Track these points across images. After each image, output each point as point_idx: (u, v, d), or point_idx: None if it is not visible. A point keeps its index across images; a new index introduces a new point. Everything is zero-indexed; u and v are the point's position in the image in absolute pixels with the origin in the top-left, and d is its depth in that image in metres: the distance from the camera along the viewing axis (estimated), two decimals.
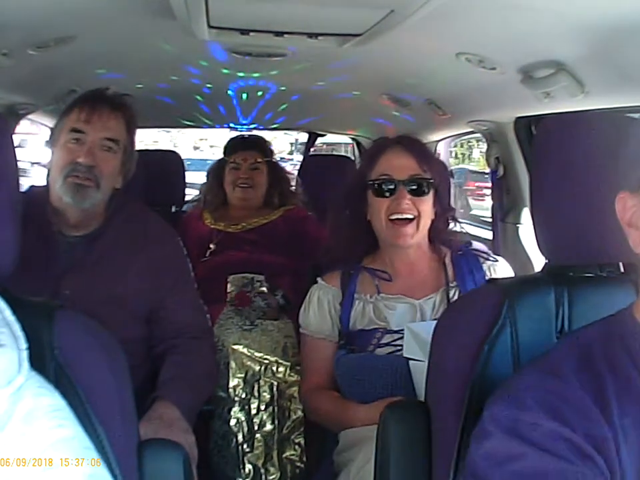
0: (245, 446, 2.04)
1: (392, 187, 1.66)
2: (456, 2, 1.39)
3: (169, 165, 3.23)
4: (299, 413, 2.05)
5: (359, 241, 1.77)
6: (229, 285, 2.35)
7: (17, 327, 0.74)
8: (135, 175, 2.22)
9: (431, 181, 1.68)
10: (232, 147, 2.81)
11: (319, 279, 1.79)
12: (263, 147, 2.78)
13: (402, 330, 1.62)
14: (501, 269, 1.75)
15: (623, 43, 1.36)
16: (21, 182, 0.91)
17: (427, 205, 1.68)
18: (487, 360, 0.99)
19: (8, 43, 1.69)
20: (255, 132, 3.44)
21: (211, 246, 2.57)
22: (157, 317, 1.71)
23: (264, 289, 2.31)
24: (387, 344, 1.64)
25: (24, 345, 0.73)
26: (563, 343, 0.86)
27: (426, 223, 1.70)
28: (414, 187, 1.67)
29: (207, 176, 2.88)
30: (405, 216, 1.66)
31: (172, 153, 3.51)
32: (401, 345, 1.60)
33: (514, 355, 0.99)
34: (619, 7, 1.26)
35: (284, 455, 2.07)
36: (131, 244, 1.70)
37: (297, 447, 2.08)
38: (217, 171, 2.80)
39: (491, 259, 1.76)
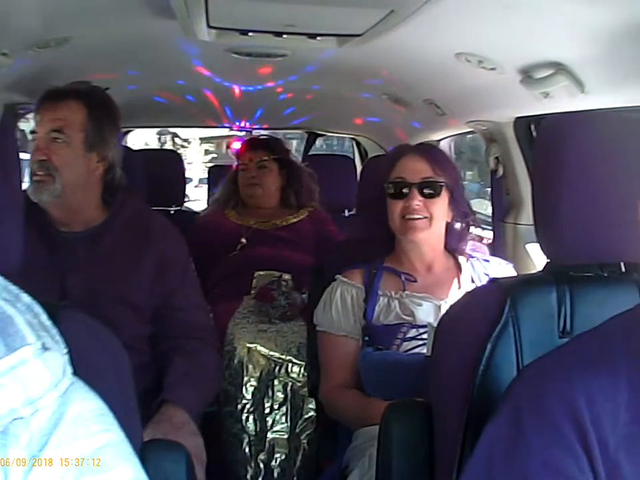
0: (256, 445, 2.05)
1: (405, 189, 1.73)
2: (456, 2, 1.40)
3: (169, 165, 3.23)
4: (311, 412, 2.06)
5: (378, 243, 1.82)
6: (254, 281, 2.37)
7: (54, 332, 0.74)
8: (134, 175, 2.22)
9: (442, 183, 1.74)
10: (241, 148, 2.85)
11: (338, 276, 1.80)
12: (271, 146, 2.79)
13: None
14: (509, 273, 1.82)
15: (622, 43, 1.36)
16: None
17: (438, 207, 1.73)
18: (489, 359, 0.99)
19: (8, 43, 1.69)
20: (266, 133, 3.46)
21: (243, 240, 2.59)
22: (163, 316, 1.70)
23: (288, 288, 2.31)
24: (413, 338, 1.67)
25: (64, 349, 0.74)
26: (582, 337, 0.85)
27: (438, 223, 1.75)
28: (426, 189, 1.73)
29: (223, 179, 2.91)
30: (416, 216, 1.72)
31: (172, 153, 3.51)
32: (427, 339, 1.63)
33: (517, 354, 0.99)
34: (619, 8, 1.27)
35: (295, 454, 2.07)
36: (135, 242, 1.69)
37: (308, 445, 2.08)
38: (232, 174, 2.84)
39: (503, 263, 1.84)
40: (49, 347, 0.71)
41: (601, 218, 0.96)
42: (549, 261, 1.07)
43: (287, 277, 2.36)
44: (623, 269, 1.04)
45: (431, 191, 1.72)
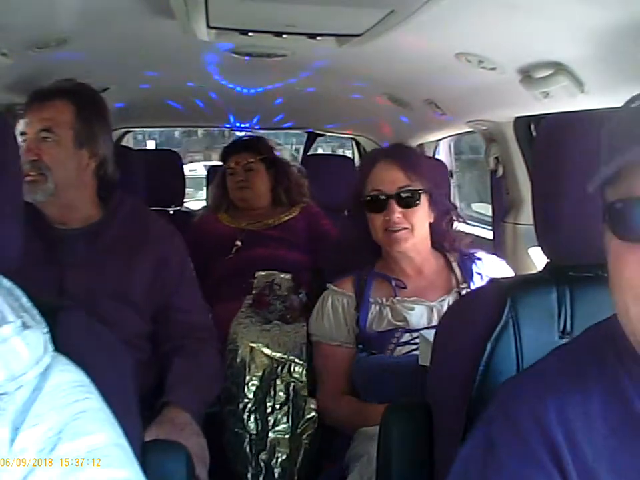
0: (258, 444, 2.05)
1: (383, 201, 1.70)
2: (456, 2, 1.40)
3: (168, 165, 3.23)
4: (313, 413, 2.06)
5: (367, 249, 1.80)
6: (255, 281, 2.37)
7: (35, 312, 0.76)
8: (134, 175, 2.22)
9: (419, 191, 1.71)
10: (226, 153, 2.85)
11: (330, 285, 1.80)
12: (256, 147, 2.79)
13: (421, 329, 1.64)
14: (504, 272, 1.80)
15: (622, 43, 1.37)
16: None
17: (418, 215, 1.72)
18: (489, 359, 0.98)
19: (8, 43, 1.69)
20: (261, 133, 3.45)
21: (237, 243, 2.60)
22: (164, 316, 1.70)
23: (284, 291, 2.31)
24: (407, 342, 1.66)
25: (45, 328, 0.76)
26: (555, 352, 0.85)
27: (421, 230, 1.74)
28: (403, 200, 1.70)
29: (209, 185, 2.91)
30: (397, 228, 1.70)
31: (171, 153, 3.51)
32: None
33: (517, 354, 0.98)
34: (619, 8, 1.27)
35: (296, 454, 2.07)
36: (133, 241, 1.69)
37: (309, 445, 2.08)
38: (220, 178, 2.84)
39: (496, 261, 1.82)
40: (29, 325, 0.73)
41: (601, 218, 0.96)
42: (548, 260, 1.07)
43: (287, 276, 2.36)
44: None
45: (409, 201, 1.70)
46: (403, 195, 1.70)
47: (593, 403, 0.75)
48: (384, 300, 1.74)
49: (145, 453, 0.95)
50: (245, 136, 3.14)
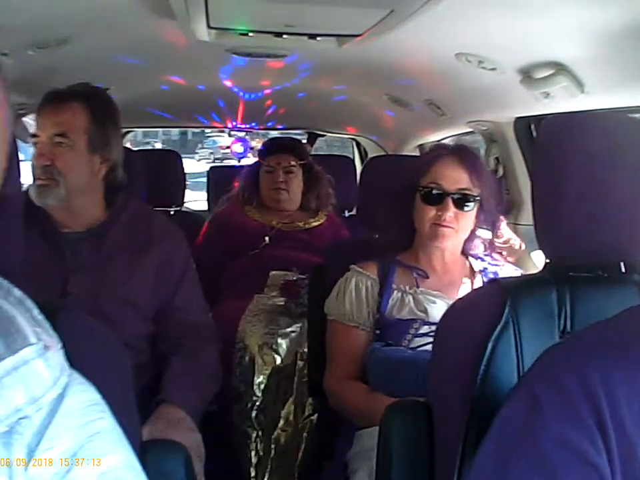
0: (263, 441, 2.06)
1: (438, 196, 1.70)
2: (456, 2, 1.40)
3: (168, 165, 3.22)
4: (313, 410, 2.07)
5: (403, 236, 1.81)
6: (269, 280, 2.36)
7: (47, 326, 0.74)
8: (134, 175, 2.22)
9: (477, 197, 1.72)
10: (266, 150, 2.81)
11: (353, 266, 1.79)
12: (298, 150, 2.76)
13: None
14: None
15: (622, 43, 1.37)
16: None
17: (468, 219, 1.73)
18: (490, 360, 0.98)
19: (8, 43, 1.69)
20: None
21: (266, 239, 2.58)
22: (164, 316, 1.70)
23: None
24: (425, 334, 1.65)
25: (59, 344, 0.74)
26: (596, 325, 0.85)
27: (464, 233, 1.75)
28: (460, 201, 1.70)
29: (241, 177, 2.88)
30: (446, 224, 1.70)
31: (172, 153, 3.51)
32: None
33: (517, 354, 0.99)
34: (619, 8, 1.27)
35: (297, 451, 2.08)
36: (137, 242, 1.69)
37: (310, 442, 2.08)
38: (252, 172, 2.81)
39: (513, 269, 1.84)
40: (48, 344, 0.71)
41: (601, 218, 0.96)
42: (548, 261, 1.07)
43: (302, 277, 2.34)
44: (623, 269, 1.04)
45: (465, 204, 1.70)
46: (460, 196, 1.70)
47: (636, 371, 0.75)
48: (407, 288, 1.74)
49: (143, 453, 0.95)
50: (286, 137, 3.10)
